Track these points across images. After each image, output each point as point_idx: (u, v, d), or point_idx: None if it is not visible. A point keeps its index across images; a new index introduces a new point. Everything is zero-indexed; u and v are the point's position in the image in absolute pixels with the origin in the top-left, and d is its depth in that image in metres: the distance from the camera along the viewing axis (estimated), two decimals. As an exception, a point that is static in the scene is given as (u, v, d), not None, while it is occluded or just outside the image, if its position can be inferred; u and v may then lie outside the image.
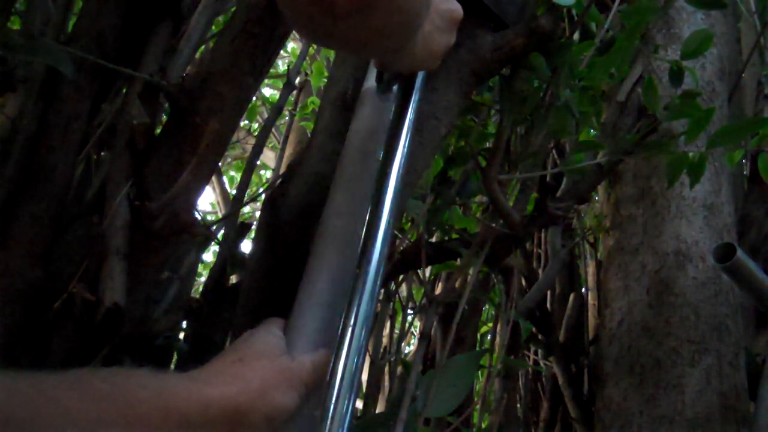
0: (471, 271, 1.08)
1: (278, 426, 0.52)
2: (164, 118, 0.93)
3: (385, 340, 1.60)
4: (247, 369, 0.51)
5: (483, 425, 1.89)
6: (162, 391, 0.46)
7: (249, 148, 2.10)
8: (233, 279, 1.10)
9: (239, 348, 0.54)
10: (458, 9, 0.64)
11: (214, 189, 3.17)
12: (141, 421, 0.44)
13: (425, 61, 0.64)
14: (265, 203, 0.81)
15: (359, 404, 1.34)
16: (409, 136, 0.67)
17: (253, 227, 1.05)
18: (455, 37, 0.66)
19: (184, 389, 0.47)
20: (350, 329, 0.57)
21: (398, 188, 0.64)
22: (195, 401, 0.47)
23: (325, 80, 1.54)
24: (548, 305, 1.81)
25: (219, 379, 0.50)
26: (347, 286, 0.59)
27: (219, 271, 1.05)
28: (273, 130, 2.55)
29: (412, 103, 0.69)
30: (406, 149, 0.66)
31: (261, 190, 2.72)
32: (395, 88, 0.70)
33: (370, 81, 0.72)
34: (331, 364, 0.56)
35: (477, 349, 1.76)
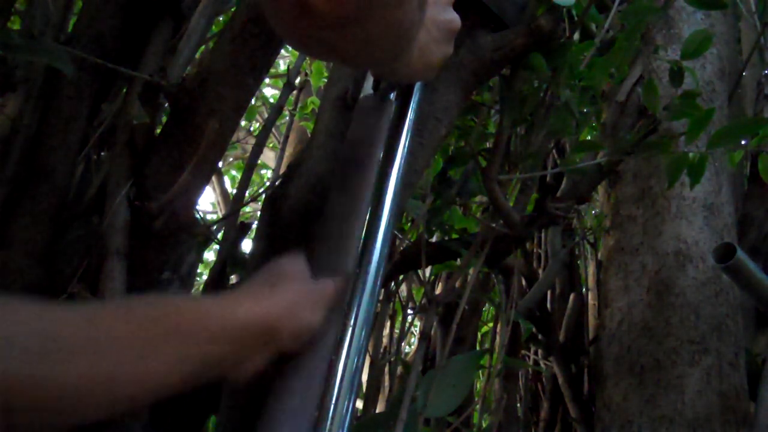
0: (471, 271, 1.08)
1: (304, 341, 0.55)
2: (164, 118, 0.94)
3: (385, 340, 1.60)
4: (275, 291, 0.54)
5: (483, 425, 1.89)
6: (198, 312, 0.50)
7: (249, 148, 2.10)
8: (233, 279, 1.10)
9: (267, 274, 0.57)
10: (456, 20, 0.63)
11: (214, 189, 3.17)
12: (181, 340, 0.47)
13: (422, 72, 0.63)
14: (265, 203, 0.81)
15: (359, 404, 1.34)
16: (409, 136, 0.67)
17: (253, 227, 1.05)
18: (453, 48, 0.65)
19: (218, 310, 0.51)
20: (350, 329, 0.57)
21: (398, 188, 0.64)
22: (228, 320, 0.51)
23: (325, 80, 1.54)
24: (548, 305, 1.81)
25: (250, 300, 0.53)
26: (347, 289, 0.59)
27: (219, 271, 1.05)
28: (273, 130, 2.55)
29: (411, 104, 0.69)
30: (406, 149, 0.66)
31: (261, 190, 2.72)
32: (393, 95, 0.70)
33: (368, 88, 0.72)
34: (331, 364, 0.56)
35: (477, 349, 1.76)
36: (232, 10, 1.05)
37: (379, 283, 0.60)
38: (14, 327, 0.41)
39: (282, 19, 0.44)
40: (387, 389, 1.58)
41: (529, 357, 1.93)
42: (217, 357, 0.50)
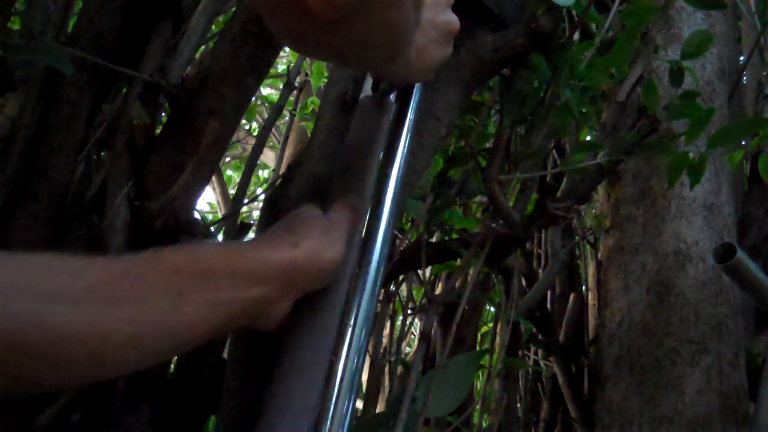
0: (471, 272, 1.08)
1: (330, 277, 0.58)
2: (164, 118, 0.93)
3: (385, 340, 1.60)
4: (295, 234, 0.56)
5: (483, 425, 1.89)
6: (227, 257, 0.52)
7: (249, 148, 2.10)
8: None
9: (285, 222, 0.59)
10: (455, 21, 0.63)
11: (214, 189, 3.17)
12: (214, 285, 0.49)
13: (420, 73, 0.63)
14: (265, 203, 0.80)
15: (359, 404, 1.34)
16: (409, 136, 0.67)
17: (253, 227, 1.05)
18: (451, 49, 0.64)
19: (245, 253, 0.54)
20: (350, 329, 0.57)
21: (398, 188, 0.64)
22: (256, 263, 0.53)
23: (325, 80, 1.54)
24: (548, 305, 1.81)
25: (273, 243, 0.56)
26: (346, 288, 0.59)
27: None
28: (273, 130, 2.55)
29: (411, 104, 0.69)
30: (406, 149, 0.66)
31: (260, 189, 2.72)
32: (392, 96, 0.69)
33: (368, 89, 0.72)
34: (332, 364, 0.56)
35: (477, 349, 1.77)
36: (232, 10, 1.05)
37: (379, 283, 0.60)
38: (59, 279, 0.43)
39: (276, 19, 0.44)
40: (387, 389, 1.58)
41: (529, 357, 1.93)
42: (247, 300, 0.52)
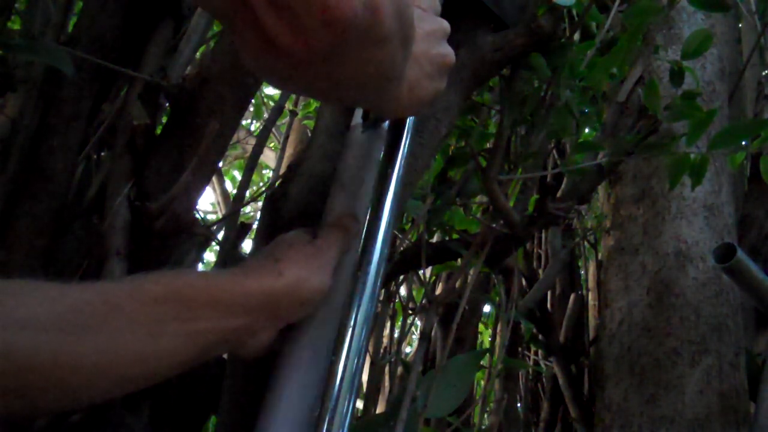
0: (471, 272, 1.08)
1: (315, 306, 0.57)
2: (164, 118, 0.94)
3: (385, 341, 1.60)
4: (280, 262, 0.55)
5: (483, 425, 1.89)
6: (208, 287, 0.51)
7: (249, 148, 2.10)
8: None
9: (272, 247, 0.59)
10: (450, 54, 0.60)
11: (214, 189, 3.17)
12: (193, 315, 0.49)
13: (411, 107, 0.59)
14: (265, 203, 0.80)
15: (359, 404, 1.34)
16: (409, 136, 0.67)
17: (254, 227, 1.05)
18: (446, 83, 0.61)
19: (227, 283, 0.52)
20: (350, 329, 0.57)
21: (398, 188, 0.64)
22: (238, 293, 0.52)
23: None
24: (548, 305, 1.81)
25: (257, 272, 0.54)
26: (347, 288, 0.59)
27: (219, 271, 1.04)
28: (273, 130, 2.55)
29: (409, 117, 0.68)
30: (406, 149, 0.66)
31: (262, 189, 2.72)
32: (386, 124, 0.69)
33: (357, 117, 0.71)
34: (332, 364, 0.56)
35: (477, 349, 1.77)
36: (233, 10, 1.05)
37: (379, 283, 0.60)
38: (30, 307, 0.42)
39: (250, 56, 0.41)
40: (387, 389, 1.58)
41: (529, 357, 1.93)
42: (228, 330, 0.51)
